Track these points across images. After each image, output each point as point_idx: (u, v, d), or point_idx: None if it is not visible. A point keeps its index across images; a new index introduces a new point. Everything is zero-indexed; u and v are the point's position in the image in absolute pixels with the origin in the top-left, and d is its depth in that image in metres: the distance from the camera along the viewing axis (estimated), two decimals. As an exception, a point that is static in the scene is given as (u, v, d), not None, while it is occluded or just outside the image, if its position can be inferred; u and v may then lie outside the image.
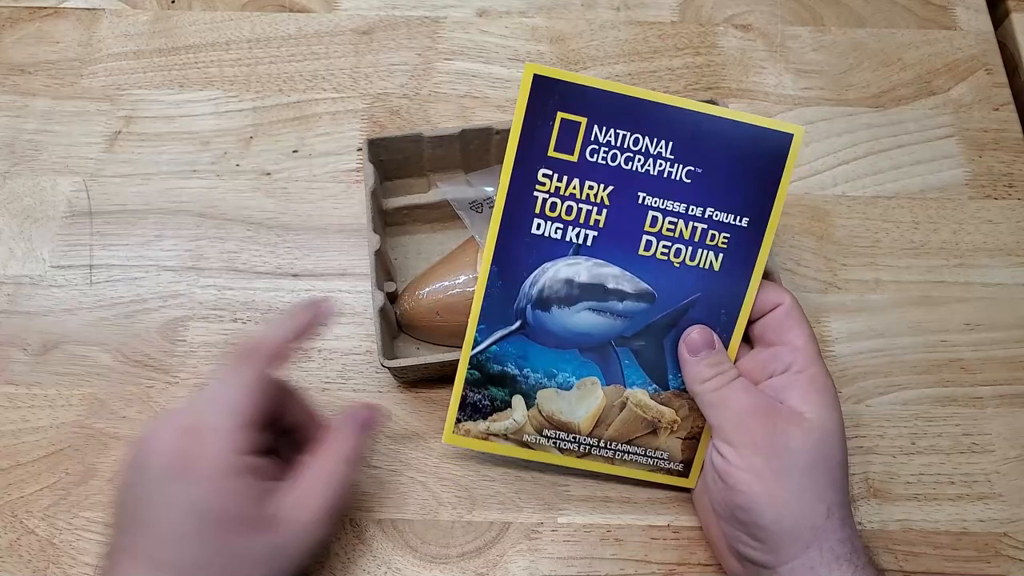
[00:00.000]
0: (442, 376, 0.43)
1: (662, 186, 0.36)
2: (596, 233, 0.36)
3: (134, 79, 0.53)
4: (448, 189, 0.47)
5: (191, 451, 0.33)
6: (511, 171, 0.36)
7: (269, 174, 0.50)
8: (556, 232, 0.36)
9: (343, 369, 0.44)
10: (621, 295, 0.37)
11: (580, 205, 0.36)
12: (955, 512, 0.41)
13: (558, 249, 0.36)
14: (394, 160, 0.47)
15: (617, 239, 0.36)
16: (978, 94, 0.53)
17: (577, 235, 0.36)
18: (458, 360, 0.39)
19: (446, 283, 0.43)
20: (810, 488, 0.34)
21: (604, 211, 0.36)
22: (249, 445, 0.33)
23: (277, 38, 0.54)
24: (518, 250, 0.37)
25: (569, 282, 0.36)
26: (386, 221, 0.47)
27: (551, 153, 0.35)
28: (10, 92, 0.52)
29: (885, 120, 0.52)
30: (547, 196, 0.36)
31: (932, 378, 0.45)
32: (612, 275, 0.36)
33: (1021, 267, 0.48)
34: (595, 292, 0.36)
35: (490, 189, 0.47)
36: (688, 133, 0.35)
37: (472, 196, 0.46)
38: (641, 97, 0.35)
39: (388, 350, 0.42)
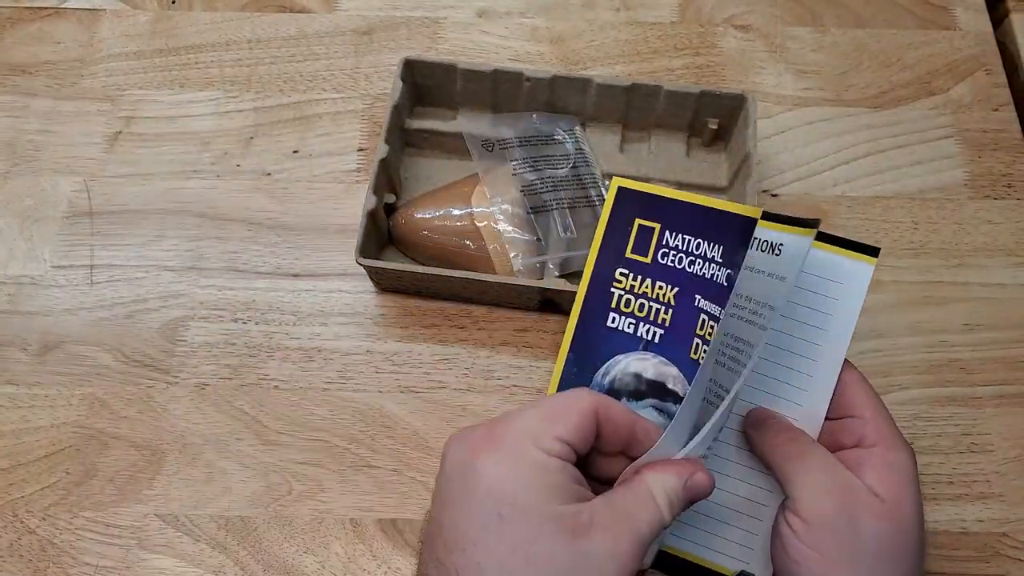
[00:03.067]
0: (417, 290, 0.46)
1: (712, 289, 0.37)
2: (663, 331, 0.37)
3: (135, 79, 0.53)
4: (467, 123, 0.49)
5: (493, 436, 0.29)
6: (592, 268, 0.38)
7: (269, 174, 0.50)
8: (629, 327, 0.38)
9: (343, 369, 0.44)
10: (676, 397, 0.37)
11: (651, 304, 0.38)
12: (954, 512, 0.42)
13: (629, 343, 0.38)
14: (426, 85, 0.49)
15: (678, 338, 0.37)
16: (978, 94, 0.53)
17: (647, 331, 0.38)
18: (433, 275, 0.42)
19: (440, 210, 0.46)
20: None
21: (670, 311, 0.37)
22: (563, 453, 0.29)
23: (277, 38, 0.54)
24: (594, 340, 0.38)
25: (638, 376, 0.37)
26: (407, 141, 0.50)
27: (628, 254, 0.38)
28: (11, 92, 0.52)
29: (885, 120, 0.52)
30: (623, 293, 0.38)
31: (931, 378, 0.45)
32: (672, 375, 0.37)
33: (1021, 267, 0.48)
34: (658, 390, 0.37)
35: (508, 133, 0.48)
36: (737, 239, 0.36)
37: (488, 135, 0.48)
38: (707, 205, 0.37)
39: (367, 251, 0.44)
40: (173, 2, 0.56)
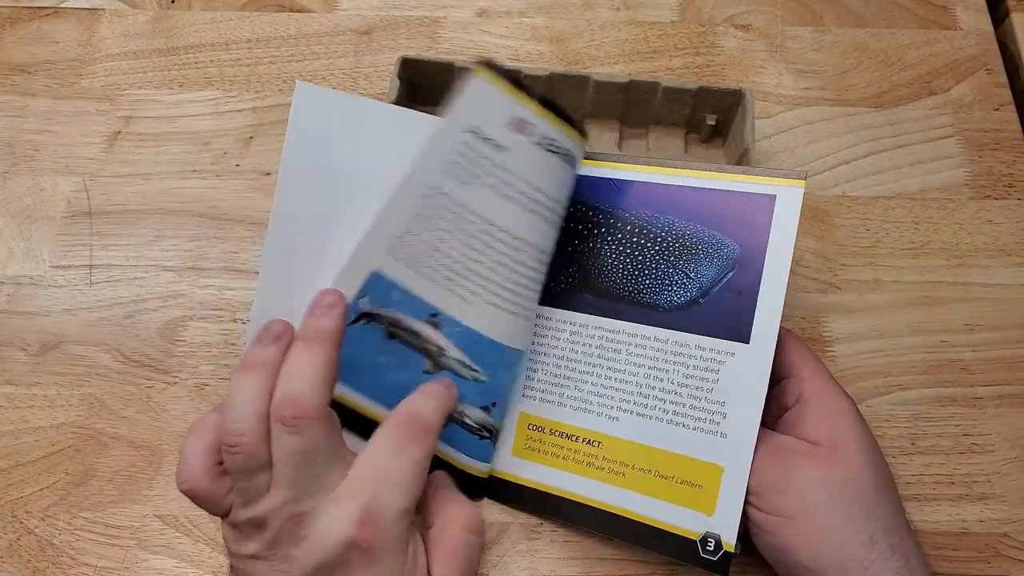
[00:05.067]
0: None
1: None
2: None
3: (134, 79, 0.53)
4: None
5: (373, 541, 0.30)
6: None
7: (269, 174, 0.50)
8: None
9: (343, 369, 0.44)
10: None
11: None
12: (955, 513, 0.41)
13: None
14: (424, 85, 0.49)
15: None
16: (978, 94, 0.53)
17: None
18: None
19: None
20: (842, 520, 0.33)
21: None
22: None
23: (277, 38, 0.54)
24: None
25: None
26: None
27: None
28: (10, 92, 0.52)
29: (885, 120, 0.52)
30: None
31: (932, 378, 0.45)
32: None
33: (1021, 267, 0.48)
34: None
35: None
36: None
37: None
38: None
39: None
40: (172, 2, 0.56)
